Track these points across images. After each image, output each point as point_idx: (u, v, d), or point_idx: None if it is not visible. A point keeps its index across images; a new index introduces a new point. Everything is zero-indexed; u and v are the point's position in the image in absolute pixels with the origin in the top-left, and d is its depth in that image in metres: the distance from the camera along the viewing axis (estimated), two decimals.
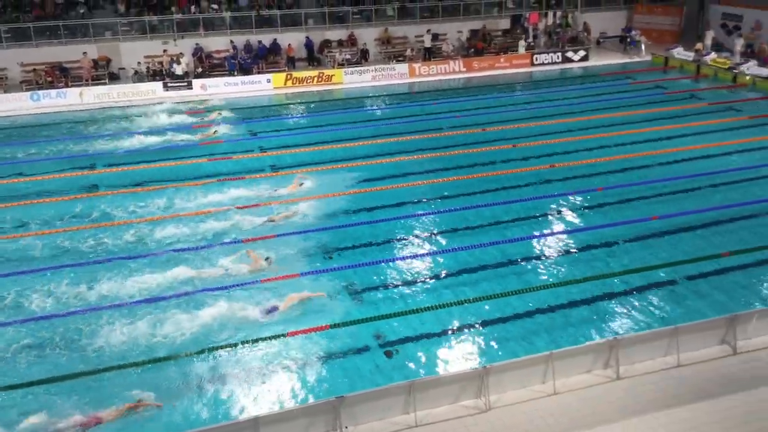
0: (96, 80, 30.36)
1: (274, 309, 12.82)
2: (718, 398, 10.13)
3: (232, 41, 32.46)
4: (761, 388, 10.31)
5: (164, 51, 31.46)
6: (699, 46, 33.37)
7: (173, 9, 32.83)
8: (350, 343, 12.04)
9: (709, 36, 34.03)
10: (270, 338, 12.03)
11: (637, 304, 13.11)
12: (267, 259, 14.58)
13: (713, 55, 32.45)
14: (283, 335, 12.05)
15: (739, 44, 32.37)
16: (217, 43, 32.68)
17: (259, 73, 31.81)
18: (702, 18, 37.19)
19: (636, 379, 10.62)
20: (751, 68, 30.14)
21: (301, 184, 18.67)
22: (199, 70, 31.57)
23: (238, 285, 13.76)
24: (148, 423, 10.22)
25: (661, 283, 13.81)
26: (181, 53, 31.35)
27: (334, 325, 12.33)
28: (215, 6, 33.59)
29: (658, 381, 10.55)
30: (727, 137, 22.38)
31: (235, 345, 11.90)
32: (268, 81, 31.37)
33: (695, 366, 10.87)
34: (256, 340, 11.98)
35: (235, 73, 31.56)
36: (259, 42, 32.64)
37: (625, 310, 12.92)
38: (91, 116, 27.23)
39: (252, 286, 13.72)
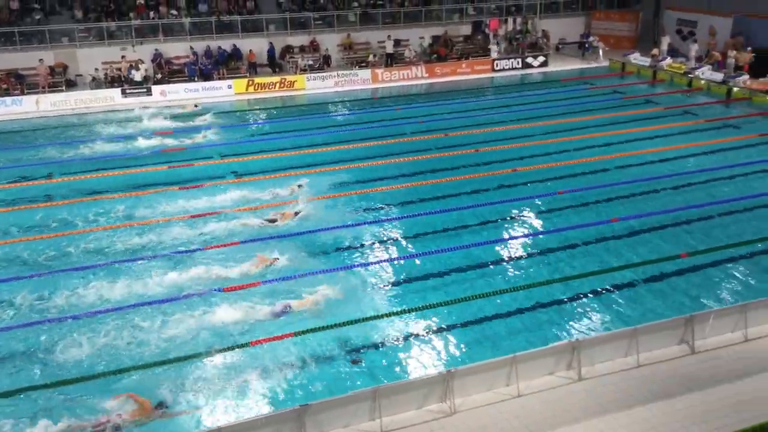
0: (53, 87, 29.76)
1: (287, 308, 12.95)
2: (678, 397, 10.30)
3: (192, 47, 32.15)
4: (719, 387, 10.51)
5: (122, 57, 31.01)
6: (655, 51, 34.13)
7: (131, 15, 32.41)
8: (316, 350, 11.96)
9: (665, 41, 34.82)
10: (234, 348, 11.90)
11: (597, 305, 13.29)
12: (276, 259, 14.70)
13: (669, 60, 33.22)
14: (247, 344, 11.94)
15: (693, 49, 33.18)
16: (177, 49, 32.34)
17: (219, 79, 31.57)
18: (658, 24, 38.04)
19: (597, 379, 10.75)
20: (706, 73, 30.89)
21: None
22: (159, 76, 31.18)
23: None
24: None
25: (621, 284, 14.01)
26: (140, 59, 30.95)
27: (298, 333, 12.24)
28: (174, 12, 33.25)
29: (618, 381, 10.70)
30: (684, 140, 22.89)
31: (199, 355, 11.74)
32: (229, 87, 31.14)
33: (655, 366, 11.05)
34: (221, 350, 11.84)
35: (196, 79, 31.25)
36: (220, 48, 32.40)
37: (586, 312, 13.09)
38: (48, 124, 26.67)
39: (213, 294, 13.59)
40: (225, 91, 30.99)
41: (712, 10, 34.76)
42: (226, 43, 32.69)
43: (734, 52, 30.80)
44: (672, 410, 10.01)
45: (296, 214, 17.18)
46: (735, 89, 28.86)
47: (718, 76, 30.23)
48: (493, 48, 35.88)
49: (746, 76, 29.20)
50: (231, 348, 11.88)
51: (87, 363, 11.71)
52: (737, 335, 11.72)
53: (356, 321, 12.57)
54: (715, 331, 11.66)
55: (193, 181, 19.90)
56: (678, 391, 10.42)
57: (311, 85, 32.15)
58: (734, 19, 32.85)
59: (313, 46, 34.36)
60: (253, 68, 32.64)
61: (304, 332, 12.21)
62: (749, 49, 30.58)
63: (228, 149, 23.25)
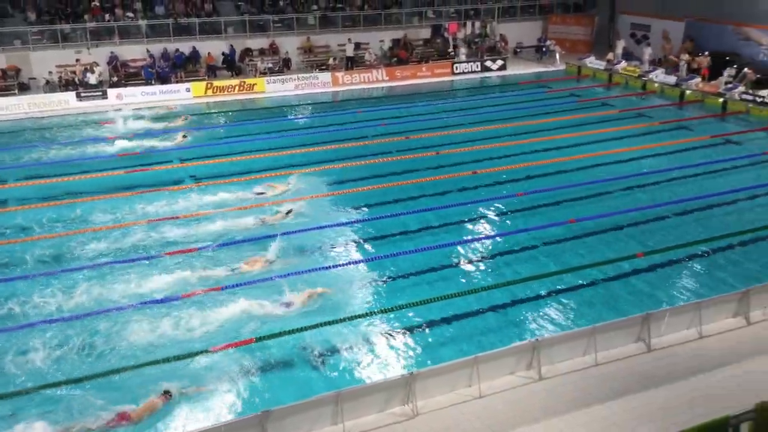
0: (5, 91, 29.02)
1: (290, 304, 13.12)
2: (635, 395, 10.50)
3: (148, 50, 31.69)
4: (675, 384, 10.74)
5: (77, 60, 30.43)
6: (610, 55, 34.81)
7: (86, 17, 31.77)
8: (277, 354, 11.87)
9: (620, 45, 35.54)
10: (195, 354, 11.75)
11: (557, 305, 13.45)
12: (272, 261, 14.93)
13: (624, 63, 33.90)
14: (207, 350, 11.80)
15: (647, 53, 33.94)
16: (133, 52, 31.83)
17: (177, 82, 31.17)
18: (612, 28, 38.80)
19: (557, 379, 10.90)
20: (659, 76, 31.61)
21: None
22: (115, 79, 30.67)
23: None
24: None
25: (580, 284, 14.22)
26: (95, 62, 30.40)
27: (260, 339, 12.15)
28: (130, 14, 32.72)
29: (577, 380, 10.86)
30: (639, 142, 23.36)
31: (157, 362, 11.55)
32: (188, 90, 30.76)
33: (612, 364, 11.25)
34: (178, 357, 11.68)
35: (153, 82, 30.80)
36: (177, 50, 31.99)
37: (546, 312, 13.23)
38: (0, 128, 26.01)
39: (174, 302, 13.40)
40: (183, 94, 30.58)
41: (665, 14, 35.63)
42: (184, 46, 32.31)
43: (686, 55, 31.58)
44: (629, 407, 10.20)
45: (288, 212, 17.44)
46: (688, 92, 29.59)
47: (672, 79, 30.97)
48: (462, 50, 36.23)
49: (698, 79, 29.98)
50: (192, 355, 11.72)
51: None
52: (692, 332, 12.00)
53: (317, 325, 12.50)
54: (670, 329, 11.92)
55: (151, 186, 19.62)
56: (635, 389, 10.62)
57: (271, 88, 31.96)
58: (686, 23, 33.71)
59: (273, 49, 34.17)
60: (212, 71, 32.30)
61: (265, 338, 12.13)
62: (706, 53, 31.34)
63: (188, 153, 22.96)
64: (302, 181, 19.78)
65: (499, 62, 36.26)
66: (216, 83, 31.31)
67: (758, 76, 28.34)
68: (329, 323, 12.59)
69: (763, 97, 27.08)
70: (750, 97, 27.39)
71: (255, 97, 31.29)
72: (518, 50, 39.79)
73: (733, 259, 15.23)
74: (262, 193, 18.79)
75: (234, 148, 23.49)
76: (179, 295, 13.53)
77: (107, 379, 11.21)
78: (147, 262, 15.03)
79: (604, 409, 10.19)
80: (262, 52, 34.02)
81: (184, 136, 24.46)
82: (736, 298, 12.39)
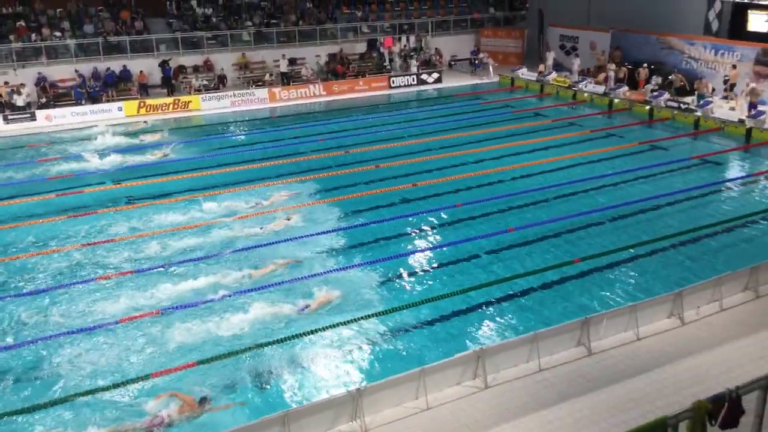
0: None
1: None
2: (579, 398, 10.69)
3: (77, 70, 30.87)
4: (616, 385, 10.97)
5: (5, 83, 29.38)
6: (541, 67, 35.74)
7: (12, 37, 30.73)
8: (220, 377, 11.64)
9: (550, 57, 36.53)
10: (134, 380, 11.44)
11: (499, 313, 13.62)
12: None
13: (554, 74, 34.84)
14: (147, 376, 11.50)
15: (576, 64, 34.96)
16: (62, 72, 30.99)
17: (109, 101, 30.44)
18: (542, 40, 39.85)
19: (503, 386, 11.01)
20: (588, 86, 32.61)
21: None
22: (43, 100, 29.73)
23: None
24: None
25: (520, 291, 14.43)
26: (22, 83, 29.42)
27: (202, 362, 11.89)
28: (58, 33, 31.83)
29: (523, 386, 11.00)
30: (572, 150, 23.98)
31: (93, 391, 11.18)
32: (120, 109, 30.10)
33: (555, 369, 11.44)
34: (116, 385, 11.33)
35: (83, 102, 29.99)
36: (108, 69, 31.27)
37: (489, 321, 13.38)
38: None
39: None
40: (115, 113, 29.88)
41: (592, 26, 36.84)
42: (114, 64, 31.60)
43: (614, 65, 32.70)
44: (573, 411, 10.38)
45: (288, 219, 18.00)
46: (616, 101, 30.61)
47: (600, 89, 31.98)
48: (413, 62, 36.77)
49: (626, 88, 31.03)
50: (130, 382, 11.38)
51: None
52: (629, 335, 12.31)
53: (259, 346, 12.34)
54: (609, 332, 12.21)
55: (82, 209, 19.07)
56: (578, 392, 10.81)
57: (207, 106, 31.55)
58: (612, 34, 34.91)
59: (207, 66, 33.78)
60: (145, 90, 31.67)
61: (207, 360, 11.90)
62: (626, 64, 32.53)
63: (121, 174, 22.41)
64: (239, 200, 19.56)
65: (435, 75, 36.74)
66: (149, 102, 30.71)
67: (682, 83, 29.53)
68: (272, 343, 12.44)
69: (687, 103, 28.23)
70: (675, 104, 28.51)
71: (190, 115, 30.82)
72: (453, 63, 40.43)
73: (666, 261, 15.73)
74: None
75: (167, 168, 23.03)
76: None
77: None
78: (82, 286, 14.56)
79: (549, 413, 10.34)
80: (196, 69, 33.58)
81: (166, 154, 24.54)
82: (670, 299, 12.78)
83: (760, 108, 25.89)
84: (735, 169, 22.80)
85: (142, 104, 30.43)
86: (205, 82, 32.83)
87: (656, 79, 30.71)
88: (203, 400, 10.77)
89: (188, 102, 31.34)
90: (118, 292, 14.35)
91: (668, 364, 11.45)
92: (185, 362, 11.86)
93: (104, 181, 21.81)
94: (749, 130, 25.31)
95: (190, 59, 33.71)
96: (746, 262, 14.15)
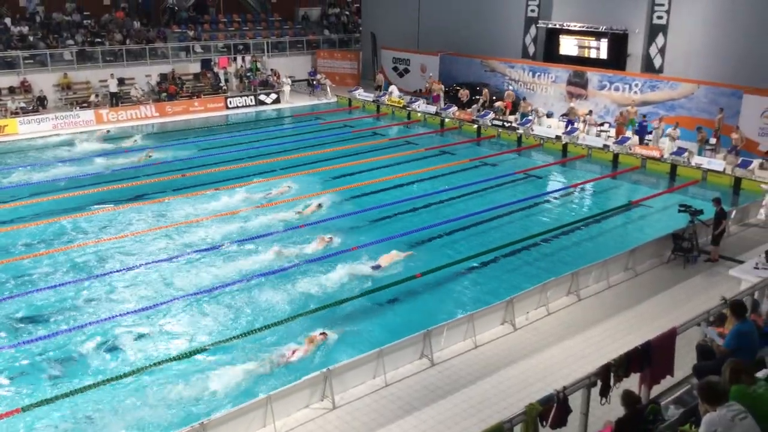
0: None
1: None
2: (424, 409, 10.97)
3: None
4: (457, 394, 11.38)
5: None
6: (377, 88, 36.72)
7: None
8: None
9: (381, 78, 37.66)
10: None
11: (344, 332, 13.61)
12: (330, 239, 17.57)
13: (393, 94, 35.89)
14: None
15: (409, 84, 36.31)
16: None
17: None
18: (377, 62, 41.03)
19: (351, 405, 11.07)
20: (421, 106, 33.98)
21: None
22: None
23: None
24: None
25: (363, 308, 14.59)
26: None
27: (27, 407, 10.92)
28: None
29: (370, 403, 11.13)
30: (409, 168, 24.78)
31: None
32: None
33: (401, 382, 11.69)
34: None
35: None
36: None
37: (333, 340, 13.28)
38: None
39: None
40: None
41: (421, 50, 38.51)
42: None
43: (439, 86, 34.40)
44: (420, 422, 10.65)
45: (319, 206, 20.18)
46: (447, 120, 32.13)
47: (432, 109, 33.44)
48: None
49: (455, 108, 32.66)
50: None
51: None
52: (468, 343, 12.89)
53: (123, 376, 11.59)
54: (449, 342, 12.71)
55: None
56: (423, 404, 11.11)
57: (25, 129, 29.21)
58: (440, 57, 36.68)
59: (25, 87, 31.35)
60: None
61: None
62: (454, 84, 34.42)
63: None
64: (77, 230, 18.37)
65: (273, 96, 36.59)
66: None
67: (499, 102, 31.60)
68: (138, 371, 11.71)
69: (510, 122, 30.23)
70: (499, 123, 30.41)
71: (6, 140, 28.35)
72: (291, 84, 40.43)
73: (499, 270, 16.65)
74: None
75: None
76: None
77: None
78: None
79: (396, 428, 10.54)
80: (12, 90, 31.03)
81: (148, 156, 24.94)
82: (502, 306, 13.54)
83: (576, 125, 28.31)
84: (555, 182, 24.73)
85: None
86: (22, 105, 30.41)
87: (478, 102, 32.56)
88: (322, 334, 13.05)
89: (3, 126, 28.86)
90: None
91: (503, 369, 12.09)
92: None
93: None
94: (565, 146, 27.57)
95: (4, 80, 31.11)
96: (568, 268, 15.33)
